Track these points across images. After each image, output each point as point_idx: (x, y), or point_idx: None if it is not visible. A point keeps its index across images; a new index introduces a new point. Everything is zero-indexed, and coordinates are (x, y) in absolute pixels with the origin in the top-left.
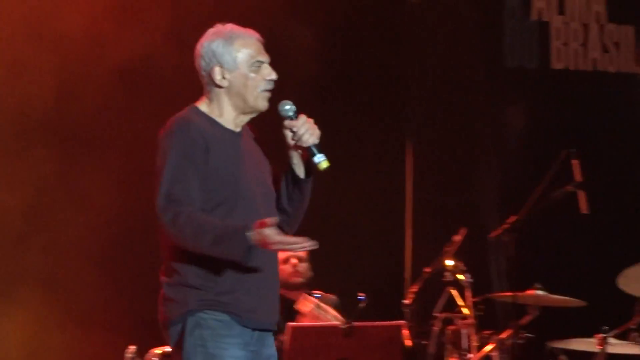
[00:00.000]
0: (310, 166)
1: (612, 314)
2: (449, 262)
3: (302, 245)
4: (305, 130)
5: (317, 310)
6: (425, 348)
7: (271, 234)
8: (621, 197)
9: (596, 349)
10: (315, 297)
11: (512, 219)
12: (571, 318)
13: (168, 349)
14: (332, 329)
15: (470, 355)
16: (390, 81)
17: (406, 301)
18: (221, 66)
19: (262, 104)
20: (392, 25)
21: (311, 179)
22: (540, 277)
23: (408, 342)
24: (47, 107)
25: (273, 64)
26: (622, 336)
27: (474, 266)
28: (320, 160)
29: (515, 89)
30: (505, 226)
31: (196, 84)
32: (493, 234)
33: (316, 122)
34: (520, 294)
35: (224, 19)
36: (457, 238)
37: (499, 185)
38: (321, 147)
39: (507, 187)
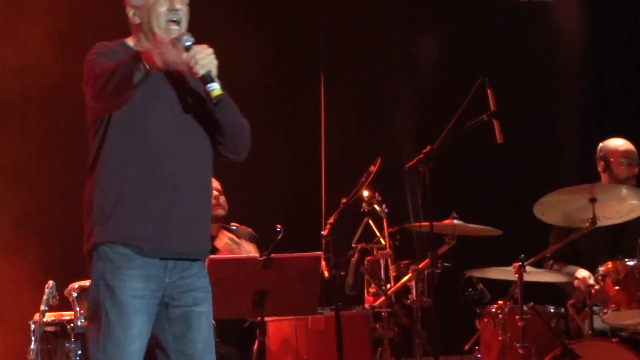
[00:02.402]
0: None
1: (528, 242)
2: (365, 193)
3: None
4: (195, 61)
5: (231, 244)
6: (343, 279)
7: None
8: (535, 126)
9: (513, 277)
10: (232, 230)
11: (427, 148)
12: (488, 247)
13: (87, 283)
14: (251, 260)
15: (388, 286)
16: (304, 10)
17: (324, 232)
18: (132, 6)
19: (170, 35)
20: None
21: (221, 107)
22: (456, 206)
23: (326, 273)
24: None
25: None
26: (538, 264)
27: (391, 196)
28: (211, 89)
29: (429, 17)
30: (420, 156)
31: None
32: (409, 164)
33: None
34: (437, 223)
35: None
36: (373, 168)
37: (415, 114)
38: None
39: (423, 116)
